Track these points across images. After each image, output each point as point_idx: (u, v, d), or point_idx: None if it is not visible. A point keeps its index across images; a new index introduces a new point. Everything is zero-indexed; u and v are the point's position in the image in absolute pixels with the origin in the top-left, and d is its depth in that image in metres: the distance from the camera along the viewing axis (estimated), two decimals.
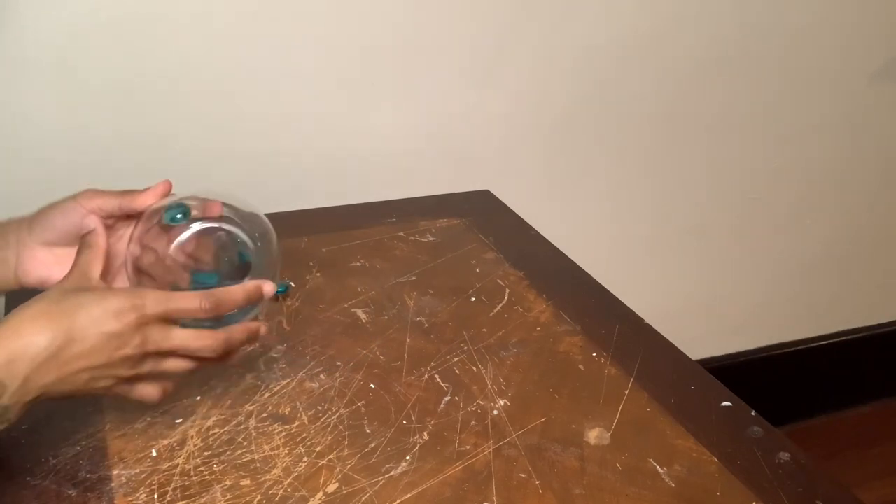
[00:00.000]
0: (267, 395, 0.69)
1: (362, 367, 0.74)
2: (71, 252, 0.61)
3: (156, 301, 0.54)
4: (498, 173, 1.19)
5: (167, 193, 0.63)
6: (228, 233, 0.62)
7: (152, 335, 0.54)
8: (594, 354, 0.78)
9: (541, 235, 1.02)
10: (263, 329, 0.61)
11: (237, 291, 0.59)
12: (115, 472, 0.59)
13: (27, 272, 0.63)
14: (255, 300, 0.60)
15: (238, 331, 0.59)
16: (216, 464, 0.61)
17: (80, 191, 0.62)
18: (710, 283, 1.51)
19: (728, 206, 1.43)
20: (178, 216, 0.60)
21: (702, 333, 1.55)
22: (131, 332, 0.53)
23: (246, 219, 0.62)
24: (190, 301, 0.56)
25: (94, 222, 0.61)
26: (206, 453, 0.62)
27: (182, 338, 0.56)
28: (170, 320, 0.56)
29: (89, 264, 0.58)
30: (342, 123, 1.07)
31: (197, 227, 0.61)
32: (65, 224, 0.62)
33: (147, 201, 0.62)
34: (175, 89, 0.96)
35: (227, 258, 0.63)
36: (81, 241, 0.61)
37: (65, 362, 0.52)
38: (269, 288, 0.61)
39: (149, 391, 0.57)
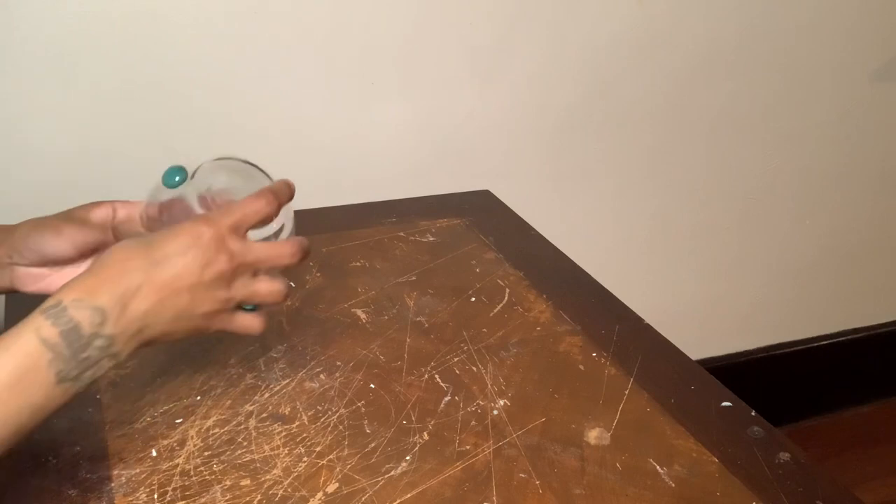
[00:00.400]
0: (267, 395, 0.69)
1: (362, 367, 0.74)
2: (74, 267, 0.64)
3: (224, 213, 0.56)
4: (498, 173, 1.19)
5: None
6: (231, 160, 0.63)
7: (234, 247, 0.56)
8: (594, 354, 0.78)
9: (541, 235, 1.02)
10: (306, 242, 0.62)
11: (281, 184, 0.61)
12: (115, 472, 0.59)
13: (25, 285, 0.64)
14: (293, 190, 0.62)
15: (303, 238, 0.61)
16: (216, 464, 0.61)
17: (70, 211, 0.65)
18: (710, 283, 1.51)
19: (728, 206, 1.43)
20: (178, 179, 0.62)
21: (702, 333, 1.55)
22: (213, 249, 0.55)
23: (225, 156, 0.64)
24: (253, 204, 0.58)
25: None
26: (206, 453, 0.62)
27: (261, 248, 0.58)
28: (243, 233, 0.57)
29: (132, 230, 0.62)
30: (342, 123, 1.07)
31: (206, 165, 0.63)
32: (60, 246, 0.63)
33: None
34: (174, 90, 0.96)
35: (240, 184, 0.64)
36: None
37: (159, 286, 0.53)
38: (291, 181, 0.63)
39: (249, 321, 0.59)
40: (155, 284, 0.53)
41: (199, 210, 0.61)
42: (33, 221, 0.64)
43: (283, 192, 0.60)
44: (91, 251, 0.66)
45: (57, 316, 0.50)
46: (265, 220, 0.59)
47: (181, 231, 0.55)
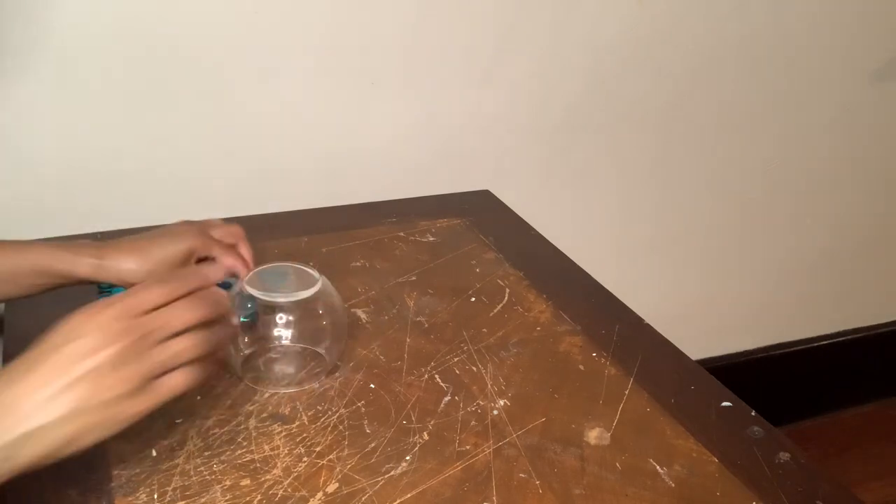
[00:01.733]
0: (267, 395, 0.69)
1: (362, 367, 0.74)
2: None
3: (113, 300, 0.51)
4: (498, 173, 1.19)
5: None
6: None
7: (123, 325, 0.50)
8: (594, 354, 0.78)
9: (541, 235, 1.02)
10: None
11: (188, 272, 0.57)
12: (115, 472, 0.59)
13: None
14: (206, 279, 0.56)
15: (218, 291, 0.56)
16: (216, 464, 0.61)
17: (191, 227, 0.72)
18: (711, 283, 1.51)
19: (728, 206, 1.43)
20: (249, 305, 0.69)
21: (702, 333, 1.55)
22: (98, 334, 0.49)
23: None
24: (148, 289, 0.52)
25: None
26: (206, 453, 0.62)
27: (159, 312, 0.51)
28: (138, 314, 0.51)
29: None
30: (342, 123, 1.07)
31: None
32: (176, 253, 0.69)
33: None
34: (175, 89, 0.96)
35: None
36: None
37: (68, 359, 0.47)
38: (208, 272, 0.58)
39: (175, 379, 0.52)
40: (63, 357, 0.47)
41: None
42: (140, 269, 0.68)
43: (191, 280, 0.54)
44: None
45: None
46: (165, 302, 0.52)
47: (49, 335, 0.49)
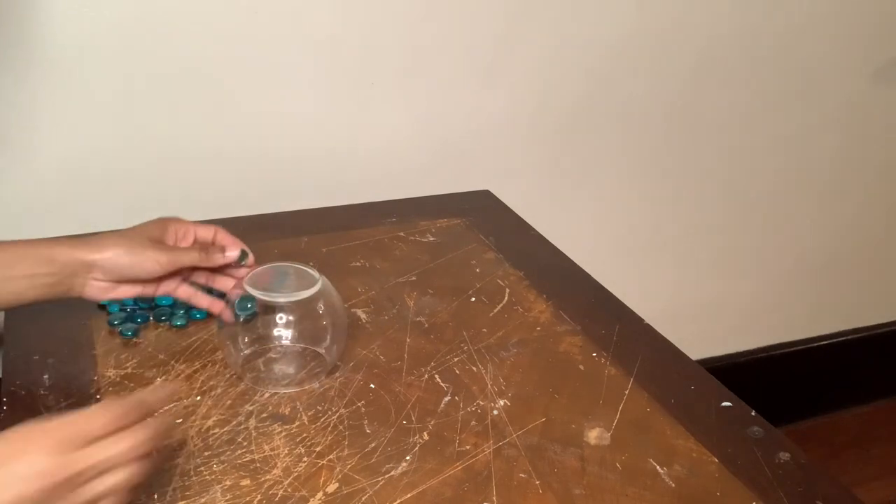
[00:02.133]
0: (267, 395, 0.69)
1: (362, 367, 0.74)
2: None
3: (54, 429, 0.50)
4: (498, 173, 1.19)
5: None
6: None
7: (55, 462, 0.49)
8: (594, 354, 0.78)
9: (541, 235, 1.02)
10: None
11: (136, 403, 0.54)
12: None
13: (93, 295, 0.70)
14: (150, 407, 0.55)
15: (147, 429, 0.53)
16: (216, 464, 0.61)
17: (160, 234, 0.72)
18: (710, 283, 1.50)
19: (729, 207, 1.43)
20: (249, 305, 0.70)
21: (702, 333, 1.55)
22: (26, 479, 0.48)
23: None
24: (95, 419, 0.51)
25: None
26: (206, 453, 0.62)
27: (99, 451, 0.50)
28: (77, 447, 0.50)
29: None
30: (342, 123, 1.07)
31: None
32: (156, 272, 0.70)
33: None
34: (175, 89, 0.96)
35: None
36: None
37: None
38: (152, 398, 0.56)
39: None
40: None
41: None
42: (125, 244, 0.69)
43: (139, 411, 0.53)
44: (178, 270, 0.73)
45: None
46: (107, 434, 0.51)
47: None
